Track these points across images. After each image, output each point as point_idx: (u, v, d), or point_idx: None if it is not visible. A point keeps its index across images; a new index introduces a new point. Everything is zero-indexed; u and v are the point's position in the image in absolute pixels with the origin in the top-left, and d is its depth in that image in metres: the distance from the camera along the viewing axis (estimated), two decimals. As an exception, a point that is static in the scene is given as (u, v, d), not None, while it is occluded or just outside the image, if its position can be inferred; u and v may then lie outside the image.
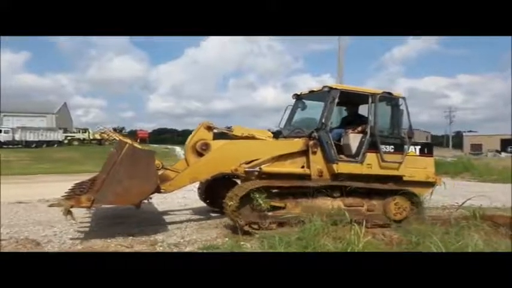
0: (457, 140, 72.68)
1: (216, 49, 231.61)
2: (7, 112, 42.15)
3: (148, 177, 4.28)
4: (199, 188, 6.75)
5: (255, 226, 4.92)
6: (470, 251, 3.09)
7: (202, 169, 5.19)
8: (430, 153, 6.42)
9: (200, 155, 5.37)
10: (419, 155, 6.28)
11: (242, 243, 4.23)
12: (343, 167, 5.59)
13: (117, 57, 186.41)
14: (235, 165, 5.23)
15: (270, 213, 4.98)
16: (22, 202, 7.45)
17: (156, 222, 5.87)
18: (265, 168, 5.38)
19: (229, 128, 5.93)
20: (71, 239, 4.61)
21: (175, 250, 4.19)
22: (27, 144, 33.09)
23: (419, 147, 6.32)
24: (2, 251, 3.52)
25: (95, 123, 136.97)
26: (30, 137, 34.40)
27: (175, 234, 5.06)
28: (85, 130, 42.15)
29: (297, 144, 5.66)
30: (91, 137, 40.08)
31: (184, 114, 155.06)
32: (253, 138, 5.90)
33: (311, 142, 5.57)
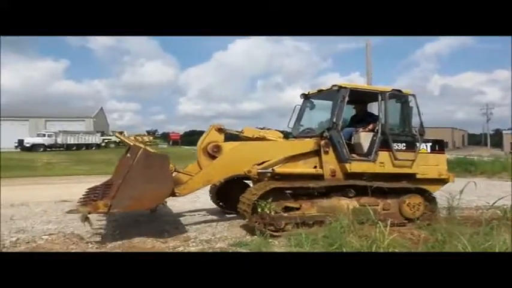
0: (497, 139, 67.01)
1: (244, 52, 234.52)
2: (50, 117, 44.64)
3: (163, 181, 4.21)
4: (211, 190, 6.69)
5: (271, 228, 4.85)
6: (497, 251, 3.04)
7: (216, 171, 5.13)
8: (441, 150, 6.38)
9: (212, 157, 5.31)
10: (430, 152, 6.24)
11: (270, 240, 4.34)
12: (356, 166, 5.54)
13: (148, 63, 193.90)
14: (248, 166, 5.17)
15: (285, 214, 4.92)
16: (66, 201, 7.86)
17: (186, 221, 6.03)
18: (278, 169, 5.33)
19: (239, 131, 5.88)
20: (111, 234, 4.93)
21: (206, 246, 4.36)
22: (68, 147, 34.86)
23: (430, 144, 6.28)
24: (39, 249, 3.47)
25: (129, 126, 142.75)
26: (71, 140, 36.25)
27: (206, 231, 5.22)
28: (120, 133, 44.41)
29: (309, 144, 5.61)
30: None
31: (213, 116, 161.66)
32: (264, 139, 5.85)
33: (323, 142, 5.52)
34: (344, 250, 3.42)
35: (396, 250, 3.25)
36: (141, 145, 4.56)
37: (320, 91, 6.32)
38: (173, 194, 4.77)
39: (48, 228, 5.36)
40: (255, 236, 4.59)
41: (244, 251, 4.01)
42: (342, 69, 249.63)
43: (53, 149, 33.77)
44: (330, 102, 6.41)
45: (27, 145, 32.92)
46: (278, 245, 4.27)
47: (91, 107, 52.97)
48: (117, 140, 39.87)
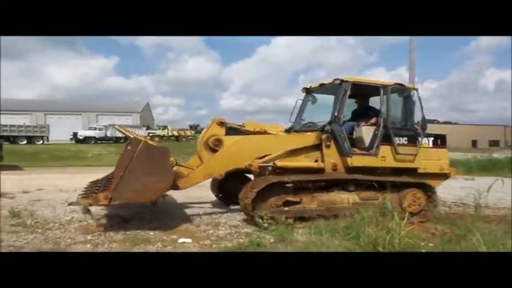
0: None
1: (286, 46, 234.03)
2: (101, 112, 47.60)
3: (164, 173, 4.23)
4: (212, 183, 6.71)
5: (271, 221, 4.87)
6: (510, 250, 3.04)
7: (217, 165, 5.14)
8: (443, 145, 6.36)
9: (213, 150, 5.32)
10: (432, 147, 6.22)
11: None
12: (357, 160, 5.53)
13: (192, 59, 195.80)
14: (249, 160, 5.18)
15: (286, 208, 4.93)
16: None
17: (220, 208, 6.37)
18: (279, 163, 5.33)
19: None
20: (148, 218, 5.25)
21: (234, 231, 4.69)
22: (117, 140, 35.92)
23: (432, 138, 6.26)
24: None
25: (173, 120, 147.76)
26: (119, 133, 37.53)
27: (235, 218, 5.48)
28: (164, 127, 45.18)
29: (310, 138, 5.60)
30: (170, 134, 43.34)
31: (254, 111, 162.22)
32: (265, 133, 5.85)
33: (324, 136, 5.51)
34: (361, 239, 3.58)
35: (411, 241, 3.35)
36: (142, 137, 4.57)
37: (322, 85, 6.29)
38: (174, 187, 4.80)
39: (96, 209, 5.36)
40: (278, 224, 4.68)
41: (268, 236, 4.26)
42: (388, 64, 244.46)
43: (103, 141, 35.58)
44: (332, 97, 6.40)
45: (80, 137, 35.00)
46: (300, 233, 4.49)
47: (138, 102, 55.65)
48: (162, 134, 42.19)
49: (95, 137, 35.69)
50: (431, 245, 3.76)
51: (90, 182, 5.63)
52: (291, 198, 4.97)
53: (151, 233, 4.42)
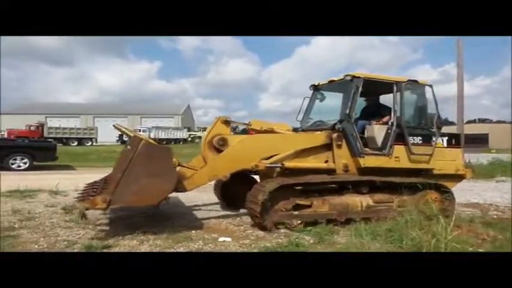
0: None
1: (326, 45, 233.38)
2: (145, 114, 50.07)
3: (167, 175, 3.91)
4: (216, 185, 6.39)
5: (281, 226, 4.57)
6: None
7: (222, 166, 4.81)
8: (457, 145, 6.06)
9: (217, 150, 5.00)
10: (447, 147, 5.93)
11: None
12: (370, 161, 5.23)
13: (231, 61, 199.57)
14: (255, 160, 4.87)
15: (296, 212, 4.63)
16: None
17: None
18: (288, 163, 5.02)
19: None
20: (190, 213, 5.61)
21: (273, 231, 4.51)
22: (160, 141, 37.90)
23: (446, 138, 5.97)
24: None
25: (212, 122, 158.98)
26: (162, 135, 38.61)
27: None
28: (205, 129, 46.22)
29: (320, 137, 5.30)
30: None
31: (292, 112, 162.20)
32: (272, 132, 5.54)
33: (335, 135, 5.21)
34: (404, 241, 3.47)
35: (458, 246, 3.21)
36: (142, 136, 4.25)
37: (331, 81, 5.98)
38: (177, 190, 4.49)
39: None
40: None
41: (308, 237, 4.18)
42: (434, 61, 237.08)
43: (147, 143, 37.37)
44: (341, 94, 6.11)
45: (126, 139, 34.58)
46: (340, 235, 4.36)
47: (179, 105, 57.98)
48: (202, 135, 41.77)
49: (139, 139, 37.32)
50: (480, 250, 3.53)
51: (88, 184, 5.31)
52: (301, 201, 4.66)
53: (193, 231, 4.47)
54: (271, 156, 5.11)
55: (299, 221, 4.60)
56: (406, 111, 5.57)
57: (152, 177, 3.79)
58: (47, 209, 5.86)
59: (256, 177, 5.80)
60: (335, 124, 5.29)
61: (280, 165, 5.00)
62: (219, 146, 4.99)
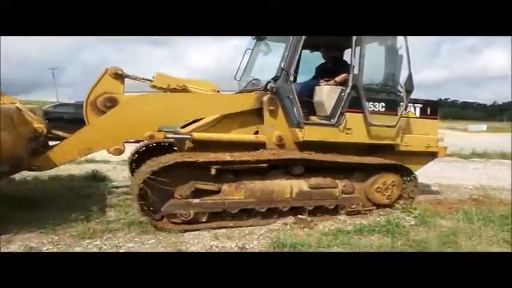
0: None
1: None
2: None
3: None
4: (129, 160, 5.14)
5: (176, 220, 3.40)
6: None
7: (99, 135, 3.51)
8: (434, 115, 4.78)
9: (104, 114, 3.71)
10: (420, 117, 4.66)
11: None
12: (312, 133, 3.97)
13: None
14: (152, 129, 3.59)
15: (196, 201, 3.43)
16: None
17: None
18: (198, 135, 3.76)
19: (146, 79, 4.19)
20: None
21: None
22: None
23: (420, 105, 4.69)
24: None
25: None
26: None
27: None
28: None
29: (247, 100, 3.98)
30: None
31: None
32: (184, 91, 4.22)
33: (266, 97, 3.90)
34: None
35: None
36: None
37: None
38: (28, 168, 3.26)
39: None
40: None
41: (408, 218, 3.86)
42: None
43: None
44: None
45: None
46: (446, 218, 3.92)
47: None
48: None
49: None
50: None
51: None
52: (204, 185, 3.43)
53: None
54: (187, 125, 3.87)
55: (200, 212, 3.42)
56: (368, 69, 4.22)
57: None
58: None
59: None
60: (268, 83, 3.96)
61: (188, 137, 3.73)
62: (105, 109, 3.68)
